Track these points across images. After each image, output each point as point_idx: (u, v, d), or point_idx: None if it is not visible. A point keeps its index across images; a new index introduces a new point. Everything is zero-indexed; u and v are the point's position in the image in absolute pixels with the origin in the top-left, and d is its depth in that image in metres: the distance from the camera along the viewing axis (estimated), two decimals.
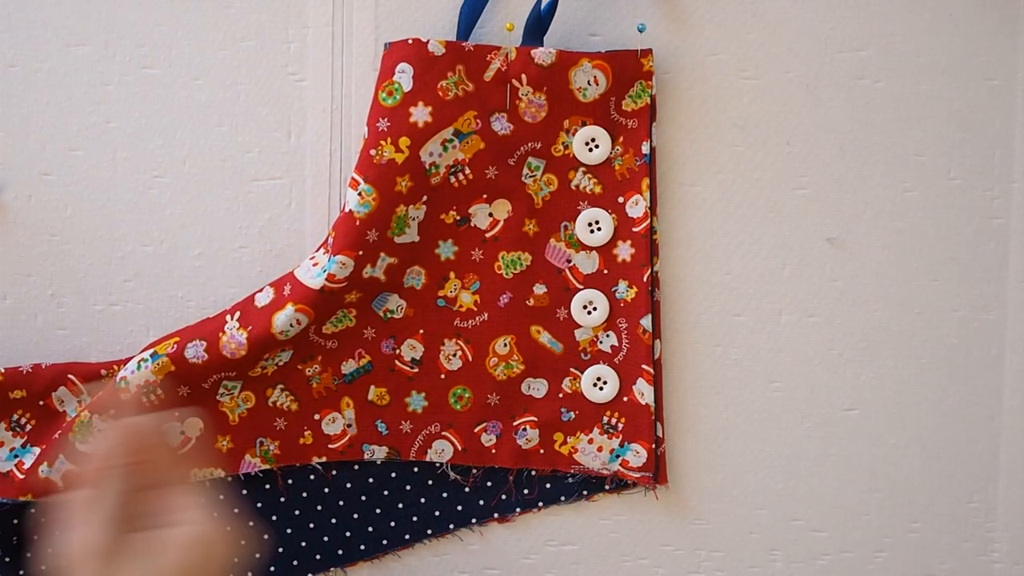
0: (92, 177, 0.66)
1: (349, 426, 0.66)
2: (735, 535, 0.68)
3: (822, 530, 0.69)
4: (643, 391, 0.65)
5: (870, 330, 0.67)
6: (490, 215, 0.65)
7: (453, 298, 0.66)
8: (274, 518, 0.66)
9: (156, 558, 0.46)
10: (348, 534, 0.67)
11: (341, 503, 0.66)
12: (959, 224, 0.67)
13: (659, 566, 0.68)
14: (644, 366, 0.65)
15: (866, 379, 0.68)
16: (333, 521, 0.66)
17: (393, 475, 0.67)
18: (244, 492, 0.66)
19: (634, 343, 0.65)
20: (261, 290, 0.64)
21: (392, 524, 0.67)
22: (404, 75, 0.62)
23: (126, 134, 0.66)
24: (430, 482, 0.67)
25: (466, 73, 0.63)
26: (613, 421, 0.66)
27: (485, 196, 0.65)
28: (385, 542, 0.67)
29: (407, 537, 0.67)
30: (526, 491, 0.67)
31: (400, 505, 0.67)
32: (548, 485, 0.67)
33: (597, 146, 0.65)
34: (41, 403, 0.64)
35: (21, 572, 0.65)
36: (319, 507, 0.66)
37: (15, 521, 0.63)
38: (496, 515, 0.67)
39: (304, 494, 0.66)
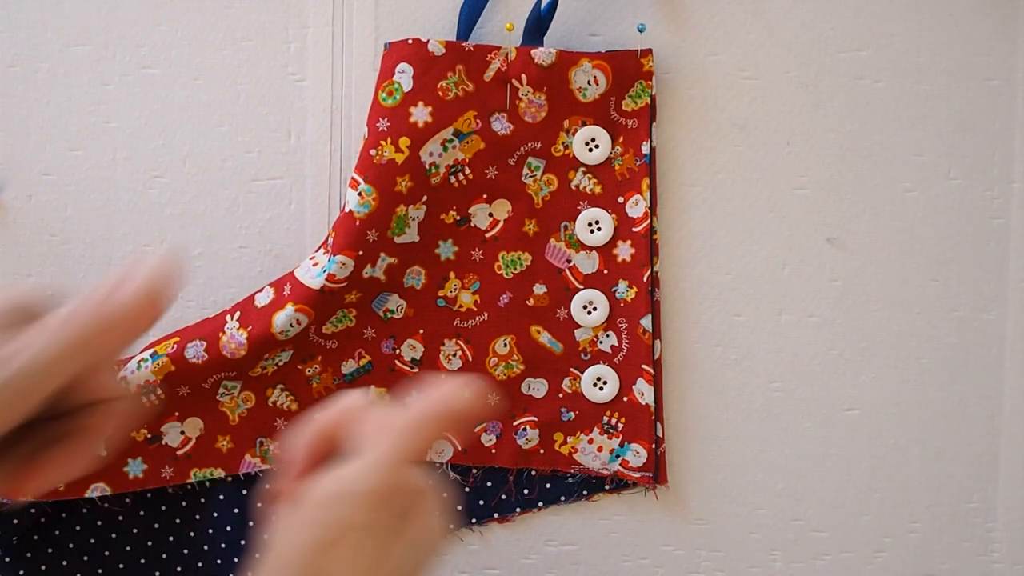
0: (92, 177, 0.66)
1: None
2: (735, 535, 0.68)
3: (822, 530, 0.69)
4: (643, 391, 0.65)
5: (870, 330, 0.67)
6: (490, 215, 0.65)
7: (453, 298, 0.66)
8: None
9: (416, 544, 0.41)
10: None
11: None
12: (959, 224, 0.67)
13: (659, 566, 0.68)
14: (644, 366, 0.65)
15: (866, 379, 0.68)
16: None
17: None
18: (244, 492, 0.66)
19: (634, 343, 0.65)
20: (261, 290, 0.64)
21: None
22: (404, 75, 0.62)
23: (126, 134, 0.66)
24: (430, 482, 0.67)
25: (466, 73, 0.63)
26: (613, 421, 0.66)
27: (485, 196, 0.65)
28: None
29: None
30: (526, 491, 0.67)
31: None
32: (548, 485, 0.67)
33: (597, 146, 0.65)
34: None
35: (21, 572, 0.65)
36: None
37: (15, 521, 0.63)
38: (496, 515, 0.67)
39: None
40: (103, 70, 0.66)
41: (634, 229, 0.65)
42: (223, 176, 0.66)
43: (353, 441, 0.42)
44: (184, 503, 0.66)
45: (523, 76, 0.63)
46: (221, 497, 0.66)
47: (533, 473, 0.67)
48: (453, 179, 0.64)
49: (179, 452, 0.65)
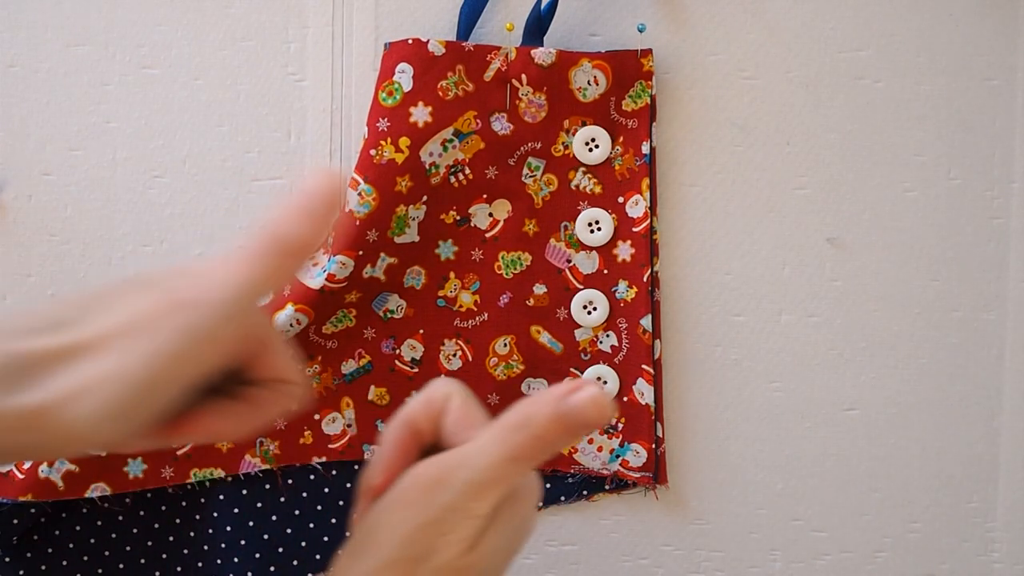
0: (92, 177, 0.66)
1: (349, 426, 0.66)
2: (735, 535, 0.68)
3: (822, 530, 0.69)
4: (643, 391, 0.65)
5: (870, 330, 0.67)
6: (490, 215, 0.65)
7: (453, 298, 0.66)
8: (274, 518, 0.66)
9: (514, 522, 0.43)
10: (348, 534, 0.67)
11: (341, 503, 0.66)
12: (959, 224, 0.67)
13: (659, 566, 0.68)
14: (644, 366, 0.65)
15: (866, 379, 0.68)
16: (333, 521, 0.66)
17: None
18: (244, 492, 0.66)
19: (634, 343, 0.65)
20: None
21: None
22: (404, 75, 0.62)
23: (126, 134, 0.66)
24: None
25: (466, 73, 0.63)
26: (613, 421, 0.66)
27: (485, 196, 0.65)
28: None
29: None
30: None
31: None
32: (548, 485, 0.67)
33: (597, 146, 0.65)
34: None
35: (21, 572, 0.65)
36: (319, 507, 0.66)
37: (15, 521, 0.63)
38: None
39: (304, 494, 0.66)
40: (103, 70, 0.66)
41: (634, 229, 0.65)
42: (223, 176, 0.66)
43: (451, 429, 0.43)
44: (184, 503, 0.66)
45: (523, 76, 0.63)
46: (221, 497, 0.66)
47: None
48: (453, 179, 0.64)
49: (179, 452, 0.65)
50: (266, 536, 0.66)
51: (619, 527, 0.68)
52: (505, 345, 0.66)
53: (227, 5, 0.65)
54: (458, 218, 0.65)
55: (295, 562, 0.66)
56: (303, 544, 0.66)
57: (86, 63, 0.65)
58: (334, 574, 0.43)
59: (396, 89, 0.62)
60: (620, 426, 0.66)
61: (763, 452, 0.68)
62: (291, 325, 0.62)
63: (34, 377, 0.36)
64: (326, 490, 0.66)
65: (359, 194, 0.62)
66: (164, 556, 0.66)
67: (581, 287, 0.66)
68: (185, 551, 0.66)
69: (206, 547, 0.66)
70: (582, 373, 0.66)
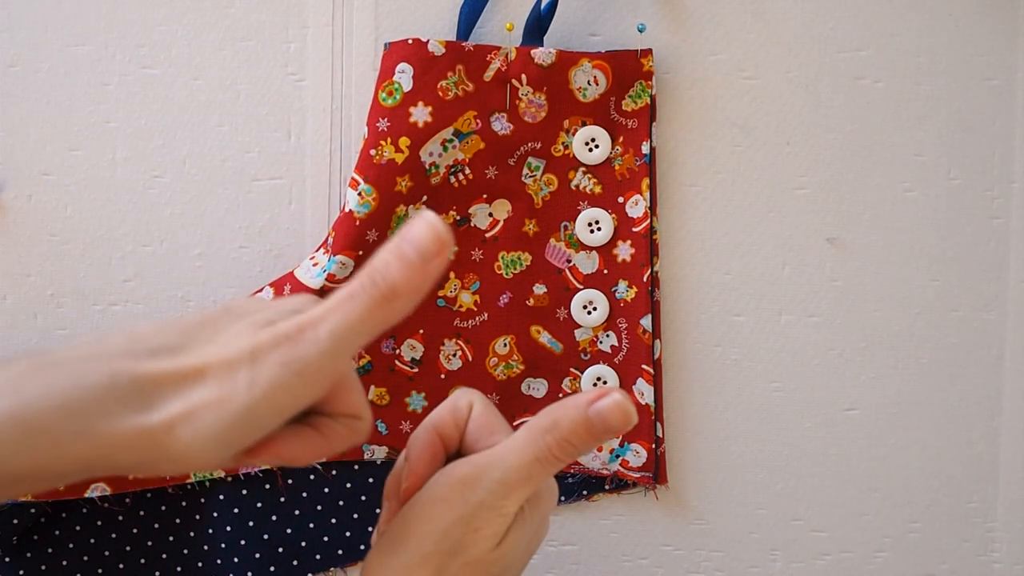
0: (92, 177, 0.66)
1: None
2: (735, 535, 0.68)
3: (822, 530, 0.69)
4: (643, 391, 0.65)
5: (870, 330, 0.67)
6: (490, 215, 0.65)
7: (453, 298, 0.66)
8: (274, 518, 0.66)
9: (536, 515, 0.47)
10: (348, 534, 0.67)
11: (341, 503, 0.66)
12: (959, 224, 0.67)
13: (659, 566, 0.68)
14: (644, 366, 0.65)
15: (866, 379, 0.68)
16: (333, 521, 0.66)
17: None
18: (244, 492, 0.66)
19: (634, 343, 0.65)
20: (261, 290, 0.64)
21: None
22: (404, 75, 0.62)
23: (126, 134, 0.66)
24: None
25: (466, 73, 0.63)
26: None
27: (485, 196, 0.65)
28: None
29: None
30: None
31: None
32: None
33: (597, 146, 0.65)
34: None
35: (21, 572, 0.65)
36: (319, 507, 0.66)
37: (15, 521, 0.63)
38: None
39: (304, 494, 0.66)
40: (103, 70, 0.66)
41: (634, 229, 0.65)
42: (223, 176, 0.66)
43: (473, 436, 0.46)
44: (184, 503, 0.66)
45: (523, 76, 0.63)
46: (221, 497, 0.66)
47: None
48: (453, 179, 0.64)
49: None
50: (266, 536, 0.66)
51: (619, 527, 0.68)
52: (505, 345, 0.66)
53: (227, 5, 0.65)
54: (458, 218, 0.65)
55: (295, 562, 0.66)
56: (303, 544, 0.66)
57: (86, 63, 0.65)
58: (367, 570, 0.45)
59: (396, 89, 0.62)
60: None
61: (763, 452, 0.68)
62: None
63: (153, 399, 0.38)
64: (326, 490, 0.66)
65: (359, 194, 0.62)
66: (164, 556, 0.66)
67: (581, 287, 0.66)
68: (185, 551, 0.66)
69: (206, 547, 0.66)
70: (582, 373, 0.66)
